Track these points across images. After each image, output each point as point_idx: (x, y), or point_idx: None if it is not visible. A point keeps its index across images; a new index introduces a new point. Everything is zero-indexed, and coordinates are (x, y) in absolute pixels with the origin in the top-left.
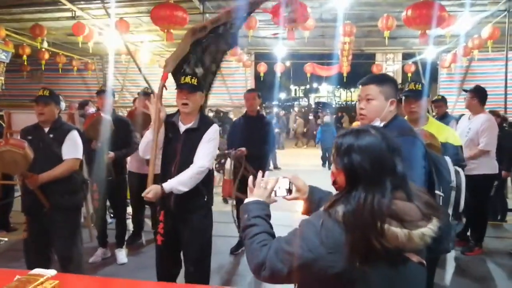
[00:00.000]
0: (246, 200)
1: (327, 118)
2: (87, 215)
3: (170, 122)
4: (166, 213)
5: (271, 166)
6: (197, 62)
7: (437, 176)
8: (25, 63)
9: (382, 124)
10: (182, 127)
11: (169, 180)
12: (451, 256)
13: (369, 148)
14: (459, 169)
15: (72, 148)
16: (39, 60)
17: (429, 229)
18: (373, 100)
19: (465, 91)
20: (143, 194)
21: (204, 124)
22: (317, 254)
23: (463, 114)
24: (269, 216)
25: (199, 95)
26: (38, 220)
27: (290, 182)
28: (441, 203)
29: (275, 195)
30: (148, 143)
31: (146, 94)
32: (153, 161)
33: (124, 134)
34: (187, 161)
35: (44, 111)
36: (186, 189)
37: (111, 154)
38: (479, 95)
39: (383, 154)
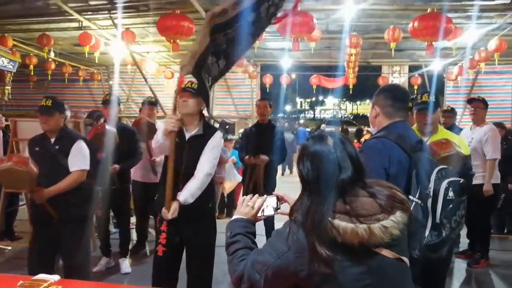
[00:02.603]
0: (231, 218)
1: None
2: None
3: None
4: (170, 222)
5: (287, 171)
6: (220, 54)
7: (416, 181)
8: (32, 73)
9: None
10: (187, 135)
11: (180, 193)
12: (457, 268)
13: (317, 155)
14: (454, 179)
15: (78, 159)
16: (45, 70)
17: (391, 221)
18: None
19: (472, 100)
20: (168, 216)
21: (209, 130)
22: (286, 260)
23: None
24: (251, 233)
25: (198, 100)
26: (46, 231)
27: (277, 201)
28: (417, 210)
29: (263, 214)
30: (164, 144)
31: (151, 103)
32: (169, 183)
33: (129, 143)
34: (192, 169)
35: (47, 122)
36: (193, 200)
37: (117, 167)
38: (486, 105)
39: (330, 162)
